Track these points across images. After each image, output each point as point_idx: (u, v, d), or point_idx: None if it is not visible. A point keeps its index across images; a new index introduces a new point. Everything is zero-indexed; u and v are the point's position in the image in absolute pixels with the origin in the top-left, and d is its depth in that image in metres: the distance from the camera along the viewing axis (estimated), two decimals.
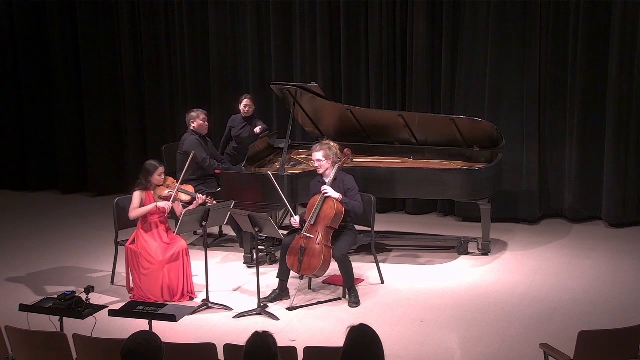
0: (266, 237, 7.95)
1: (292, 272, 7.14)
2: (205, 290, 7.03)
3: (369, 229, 7.59)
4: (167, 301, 6.95)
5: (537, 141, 9.17)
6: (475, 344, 6.25)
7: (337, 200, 7.05)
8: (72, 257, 8.52)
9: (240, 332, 6.38)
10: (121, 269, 7.59)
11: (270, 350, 3.84)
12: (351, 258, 7.23)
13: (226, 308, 6.99)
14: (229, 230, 8.75)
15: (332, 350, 4.51)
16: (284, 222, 8.79)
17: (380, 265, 7.64)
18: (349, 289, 7.10)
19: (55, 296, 5.76)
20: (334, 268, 7.15)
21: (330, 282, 7.52)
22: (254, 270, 7.11)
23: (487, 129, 8.31)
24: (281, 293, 7.17)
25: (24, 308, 5.74)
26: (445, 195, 8.25)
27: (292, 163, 8.55)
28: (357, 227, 7.50)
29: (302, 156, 8.70)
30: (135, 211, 7.19)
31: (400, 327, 6.58)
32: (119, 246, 7.67)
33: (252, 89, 10.07)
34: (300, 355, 4.74)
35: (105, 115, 11.06)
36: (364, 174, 7.95)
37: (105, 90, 11.01)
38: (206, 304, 6.99)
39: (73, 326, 5.56)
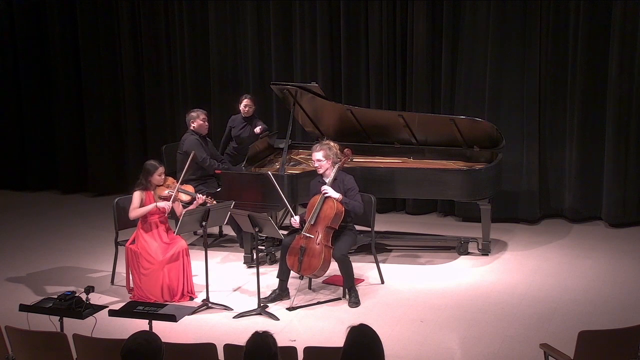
0: (266, 237, 7.95)
1: (292, 272, 7.14)
2: (205, 290, 7.03)
3: (369, 229, 7.59)
4: (167, 301, 6.95)
5: (537, 141, 9.17)
6: (475, 344, 6.25)
7: (337, 200, 7.05)
8: (72, 257, 8.52)
9: (240, 332, 6.38)
10: (121, 269, 7.59)
11: (270, 350, 3.84)
12: (351, 258, 7.23)
13: (226, 308, 6.99)
14: (229, 230, 8.75)
15: (332, 350, 4.51)
16: (284, 222, 8.79)
17: (380, 265, 7.64)
18: (349, 289, 7.10)
19: (55, 296, 5.76)
20: (334, 268, 7.15)
21: (330, 282, 7.52)
22: (254, 270, 7.11)
23: (487, 129, 8.31)
24: (281, 293, 7.17)
25: (24, 308, 5.74)
26: (445, 195, 8.25)
27: (292, 163, 8.55)
28: (357, 227, 7.50)
29: (302, 156, 8.70)
30: (135, 211, 7.19)
31: (400, 327, 6.58)
32: (119, 246, 7.67)
33: (252, 89, 10.07)
34: (300, 355, 4.74)
35: (105, 115, 11.06)
36: (364, 174, 7.95)
37: (105, 90, 11.02)
38: (206, 304, 6.99)
39: (73, 326, 5.56)
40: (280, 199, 7.31)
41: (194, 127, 8.50)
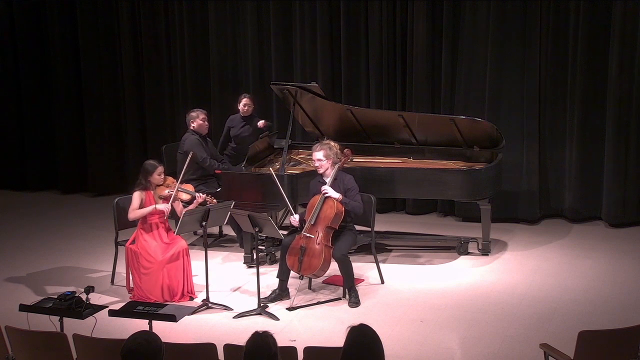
0: (266, 237, 7.94)
1: (292, 272, 7.14)
2: (205, 290, 7.03)
3: (369, 229, 7.59)
4: (167, 301, 6.95)
5: (537, 141, 9.17)
6: (475, 344, 6.25)
7: (337, 200, 7.05)
8: (72, 257, 8.52)
9: (240, 332, 6.38)
10: (121, 269, 7.59)
11: (270, 350, 3.84)
12: (351, 258, 7.23)
13: (226, 308, 6.99)
14: (229, 230, 8.75)
15: (332, 350, 4.51)
16: (284, 222, 8.79)
17: (380, 265, 7.64)
18: (349, 289, 7.10)
19: (55, 296, 5.76)
20: (334, 268, 7.15)
21: (330, 282, 7.52)
22: (254, 270, 7.11)
23: (487, 129, 8.31)
24: (281, 293, 7.17)
25: (24, 308, 5.74)
26: (445, 195, 8.25)
27: (292, 163, 8.55)
28: (357, 227, 7.50)
29: (302, 156, 8.70)
30: (134, 212, 7.18)
31: (400, 327, 6.58)
32: (119, 246, 7.67)
33: (252, 89, 10.07)
34: (300, 355, 4.74)
35: (105, 115, 11.06)
36: (364, 174, 7.95)
37: (105, 90, 11.01)
38: (206, 304, 6.99)
39: (73, 326, 5.56)
40: (281, 198, 7.32)
41: (193, 127, 8.51)
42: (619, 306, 6.88)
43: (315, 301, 7.16)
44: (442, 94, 9.46)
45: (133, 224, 7.34)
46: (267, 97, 10.04)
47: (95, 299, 6.45)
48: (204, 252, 7.08)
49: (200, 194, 7.41)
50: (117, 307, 6.01)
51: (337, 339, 4.07)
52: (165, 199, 7.27)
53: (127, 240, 7.36)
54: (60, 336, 5.12)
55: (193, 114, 8.57)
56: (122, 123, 11.07)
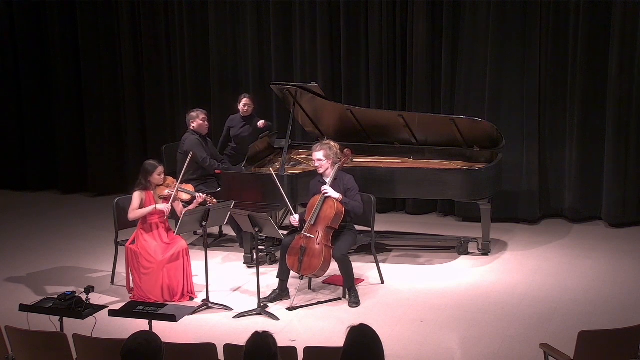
0: (266, 237, 7.94)
1: (292, 272, 7.14)
2: (205, 290, 7.03)
3: (369, 229, 7.59)
4: (167, 301, 6.95)
5: (537, 141, 9.17)
6: (475, 344, 6.25)
7: (337, 200, 7.05)
8: (72, 257, 8.52)
9: (240, 332, 6.38)
10: (121, 269, 7.59)
11: (270, 350, 3.84)
12: (351, 258, 7.23)
13: (226, 308, 6.99)
14: (229, 230, 8.75)
15: (332, 350, 4.51)
16: (284, 222, 8.79)
17: (380, 265, 7.64)
18: (349, 289, 7.10)
19: (55, 296, 5.76)
20: (334, 268, 7.15)
21: (330, 282, 7.52)
22: (254, 270, 7.11)
23: (487, 129, 8.31)
24: (281, 293, 7.17)
25: (24, 308, 5.74)
26: (445, 195, 8.25)
27: (292, 163, 8.55)
28: (357, 227, 7.50)
29: (302, 156, 8.70)
30: (134, 212, 7.18)
31: (400, 327, 6.58)
32: (119, 246, 7.67)
33: (252, 89, 10.07)
34: (300, 355, 4.74)
35: (105, 115, 11.06)
36: (364, 174, 7.95)
37: (105, 90, 11.01)
38: (206, 304, 6.99)
39: (73, 326, 5.56)
40: (281, 198, 7.32)
41: (193, 127, 8.51)
42: (619, 306, 6.88)
43: (315, 301, 7.16)
44: (442, 94, 9.46)
45: (133, 224, 7.34)
46: (267, 97, 10.04)
47: (95, 299, 6.45)
48: (204, 252, 7.08)
49: (200, 194, 7.41)
50: (117, 307, 6.01)
51: (337, 339, 4.07)
52: (165, 199, 7.27)
53: (127, 240, 7.36)
54: (60, 336, 5.12)
55: (193, 114, 8.57)
56: (122, 123, 11.06)
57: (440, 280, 7.63)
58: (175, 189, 7.32)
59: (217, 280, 7.55)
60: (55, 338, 5.11)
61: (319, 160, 7.20)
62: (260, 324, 6.63)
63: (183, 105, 10.40)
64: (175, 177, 7.59)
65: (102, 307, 5.83)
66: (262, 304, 6.94)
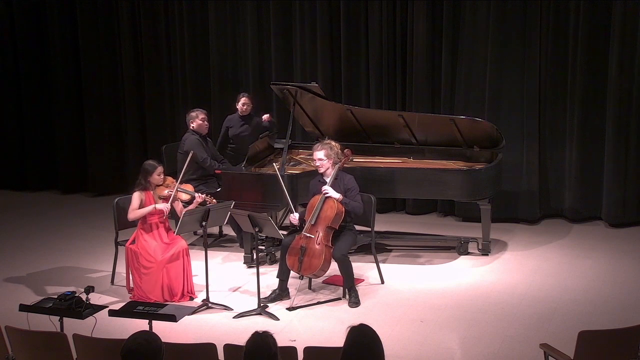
0: (266, 237, 7.94)
1: (292, 272, 7.14)
2: (205, 290, 7.03)
3: (369, 229, 7.59)
4: (167, 301, 6.96)
5: (537, 141, 9.17)
6: (475, 344, 6.25)
7: (337, 200, 7.05)
8: (72, 257, 8.52)
9: (240, 332, 6.38)
10: (121, 269, 7.59)
11: (270, 350, 3.84)
12: (351, 258, 7.23)
13: (226, 308, 6.99)
14: (229, 230, 8.75)
15: (332, 350, 4.51)
16: (284, 222, 8.79)
17: (380, 265, 7.64)
18: (349, 289, 7.10)
19: (55, 296, 5.76)
20: (334, 268, 7.15)
21: (330, 282, 7.52)
22: (254, 270, 7.11)
23: (487, 129, 8.31)
24: (281, 293, 7.17)
25: (24, 308, 5.74)
26: (445, 195, 8.25)
27: (292, 163, 8.55)
28: (357, 227, 7.50)
29: (302, 156, 8.70)
30: (134, 212, 7.18)
31: (400, 327, 6.58)
32: (119, 246, 7.67)
33: (252, 89, 10.07)
34: (300, 355, 4.74)
35: (105, 115, 11.05)
36: (364, 174, 7.95)
37: (105, 90, 11.01)
38: (206, 304, 6.99)
39: (73, 326, 5.56)
40: (283, 197, 7.32)
41: (193, 127, 8.51)
42: (619, 306, 6.88)
43: (315, 301, 7.16)
44: (442, 94, 9.46)
45: (133, 224, 7.34)
46: (267, 97, 10.04)
47: (95, 299, 6.45)
48: (204, 252, 7.08)
49: (200, 194, 7.41)
50: (117, 307, 6.01)
51: (337, 339, 4.07)
52: (165, 199, 7.27)
53: (127, 240, 7.36)
54: (60, 336, 5.12)
55: (192, 114, 8.57)
56: (122, 123, 11.06)
57: (440, 280, 7.63)
58: (175, 189, 7.32)
59: (217, 280, 7.55)
60: (55, 338, 5.11)
61: (320, 159, 7.20)
62: (260, 324, 6.63)
63: (183, 105, 10.40)
64: (175, 177, 7.59)
65: (102, 307, 5.83)
66: (262, 304, 6.94)
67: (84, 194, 11.18)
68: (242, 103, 9.02)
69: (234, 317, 6.84)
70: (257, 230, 6.84)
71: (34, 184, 11.46)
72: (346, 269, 7.05)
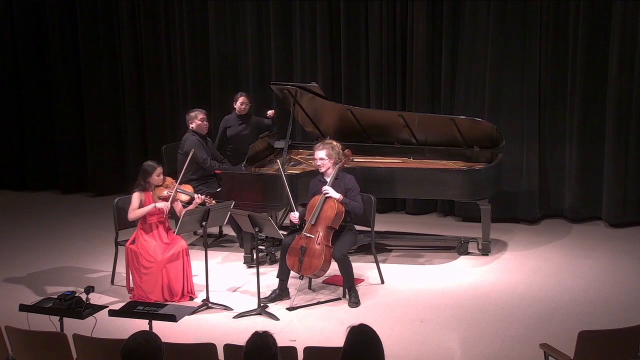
0: (266, 237, 7.94)
1: (292, 272, 7.14)
2: (205, 290, 7.03)
3: (369, 229, 7.59)
4: (167, 301, 6.96)
5: (537, 141, 9.17)
6: (475, 344, 6.25)
7: (337, 200, 7.05)
8: (72, 257, 8.52)
9: (240, 332, 6.38)
10: (121, 269, 7.59)
11: (270, 350, 3.84)
12: (351, 258, 7.23)
13: (226, 308, 6.99)
14: (229, 230, 8.75)
15: (332, 350, 4.51)
16: (284, 222, 8.79)
17: (380, 265, 7.64)
18: (349, 289, 7.10)
19: (55, 296, 5.76)
20: (334, 268, 7.15)
21: (330, 282, 7.52)
22: (254, 270, 7.11)
23: (487, 129, 8.31)
24: (281, 293, 7.17)
25: (24, 308, 5.74)
26: (445, 195, 8.25)
27: (292, 163, 8.55)
28: (357, 227, 7.50)
29: (302, 156, 8.70)
30: (134, 212, 7.18)
31: (400, 327, 6.58)
32: (119, 246, 7.67)
33: (252, 89, 10.07)
34: (300, 355, 4.75)
35: (105, 115, 11.05)
36: (364, 174, 7.95)
37: (105, 90, 11.01)
38: (206, 304, 6.99)
39: (73, 326, 5.56)
40: (285, 196, 7.32)
41: (192, 127, 8.50)
42: (619, 306, 6.88)
43: (315, 301, 7.16)
44: (442, 94, 9.46)
45: (133, 224, 7.34)
46: (267, 97, 10.03)
47: (95, 299, 6.45)
48: (204, 252, 7.08)
49: (199, 195, 7.41)
50: (117, 307, 6.01)
51: (337, 339, 4.07)
52: (164, 200, 7.26)
53: (127, 240, 7.36)
54: (60, 336, 5.12)
55: (192, 114, 8.56)
56: (122, 123, 11.06)
57: (440, 280, 7.63)
58: (174, 189, 7.32)
59: (217, 280, 7.55)
60: (55, 338, 5.11)
61: (321, 159, 7.20)
62: (260, 324, 6.63)
63: (183, 105, 10.40)
64: (175, 177, 7.59)
65: (102, 307, 5.83)
66: (262, 304, 6.94)
67: (84, 194, 11.18)
68: (241, 102, 9.02)
69: (234, 317, 6.84)
70: (257, 230, 6.84)
71: (34, 184, 11.45)
72: (346, 269, 7.05)
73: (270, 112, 9.08)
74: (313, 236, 7.00)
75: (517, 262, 8.04)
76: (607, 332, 5.16)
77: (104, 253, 8.28)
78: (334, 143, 7.32)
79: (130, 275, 7.30)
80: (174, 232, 7.18)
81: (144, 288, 7.12)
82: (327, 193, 7.06)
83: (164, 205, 7.20)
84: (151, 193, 7.26)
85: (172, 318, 5.51)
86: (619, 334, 5.08)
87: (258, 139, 8.66)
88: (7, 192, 11.37)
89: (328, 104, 8.53)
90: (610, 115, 8.90)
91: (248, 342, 3.88)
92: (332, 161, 7.20)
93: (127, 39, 10.78)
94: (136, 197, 7.19)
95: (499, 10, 9.07)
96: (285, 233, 7.39)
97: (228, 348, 4.81)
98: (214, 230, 8.80)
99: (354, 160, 8.12)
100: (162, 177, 7.31)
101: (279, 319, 6.76)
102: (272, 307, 6.99)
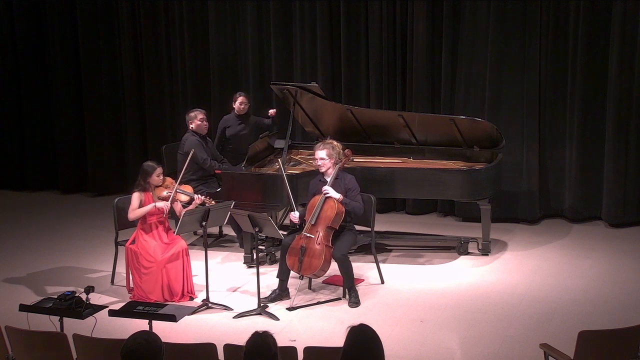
0: (266, 237, 7.94)
1: (292, 272, 7.14)
2: (205, 290, 7.03)
3: (369, 229, 7.59)
4: (167, 301, 6.96)
5: (537, 141, 9.17)
6: (475, 344, 6.25)
7: (337, 200, 7.05)
8: (72, 257, 8.52)
9: (240, 332, 6.38)
10: (121, 269, 7.59)
11: (270, 350, 3.84)
12: (351, 258, 7.23)
13: (226, 308, 6.99)
14: (229, 230, 8.75)
15: (332, 350, 4.51)
16: (284, 222, 8.79)
17: (380, 265, 7.64)
18: (349, 289, 7.10)
19: (55, 296, 5.76)
20: (334, 268, 7.15)
21: (330, 282, 7.52)
22: (254, 270, 7.11)
23: (487, 129, 8.31)
24: (281, 293, 7.17)
25: (24, 308, 5.74)
26: (445, 195, 8.25)
27: (292, 163, 8.55)
28: (357, 227, 7.50)
29: (302, 156, 8.70)
30: (134, 212, 7.18)
31: (400, 327, 6.58)
32: (119, 246, 7.67)
33: (252, 89, 10.08)
34: (300, 355, 4.75)
35: (105, 115, 11.05)
36: (364, 174, 7.95)
37: (105, 90, 11.01)
38: (206, 304, 6.99)
39: (73, 326, 5.56)
40: (285, 195, 7.32)
41: (192, 127, 8.50)
42: (619, 306, 6.88)
43: (315, 301, 7.16)
44: (442, 94, 9.46)
45: (133, 224, 7.34)
46: (267, 97, 10.03)
47: (95, 299, 6.45)
48: (204, 252, 7.08)
49: (199, 195, 7.40)
50: (117, 307, 6.01)
51: (337, 339, 4.07)
52: (164, 200, 7.26)
53: (127, 240, 7.36)
54: (60, 336, 5.12)
55: (191, 114, 8.56)
56: (122, 123, 11.06)
57: (440, 280, 7.63)
58: (174, 190, 7.32)
59: (217, 280, 7.55)
60: (55, 338, 5.11)
61: (322, 159, 7.20)
62: (260, 324, 6.63)
63: (183, 105, 10.40)
64: (175, 177, 7.59)
65: (102, 307, 5.83)
66: (262, 304, 6.94)
67: (84, 194, 11.18)
68: (240, 102, 9.02)
69: (234, 317, 6.84)
70: (257, 230, 6.84)
71: (34, 184, 11.45)
72: (346, 269, 7.05)
73: (271, 112, 9.08)
74: (313, 236, 7.00)
75: (517, 262, 8.04)
76: (607, 332, 5.16)
77: (104, 253, 8.28)
78: (335, 143, 7.32)
79: (130, 275, 7.30)
80: (174, 232, 7.18)
81: (144, 288, 7.12)
82: (327, 193, 7.06)
83: (163, 205, 7.20)
84: (151, 193, 7.26)
85: (172, 318, 5.51)
86: (619, 334, 5.08)
87: (258, 139, 8.66)
88: (7, 192, 11.37)
89: (328, 104, 8.53)
90: (610, 115, 8.90)
91: (248, 342, 3.88)
92: (332, 161, 7.20)
93: (127, 39, 10.78)
94: (136, 197, 7.19)
95: (499, 10, 9.07)
96: (285, 233, 7.39)
97: (228, 348, 4.81)
98: (214, 230, 8.80)
99: (354, 160, 8.12)
100: (162, 177, 7.31)
101: (279, 319, 6.76)
102: (272, 307, 6.99)
